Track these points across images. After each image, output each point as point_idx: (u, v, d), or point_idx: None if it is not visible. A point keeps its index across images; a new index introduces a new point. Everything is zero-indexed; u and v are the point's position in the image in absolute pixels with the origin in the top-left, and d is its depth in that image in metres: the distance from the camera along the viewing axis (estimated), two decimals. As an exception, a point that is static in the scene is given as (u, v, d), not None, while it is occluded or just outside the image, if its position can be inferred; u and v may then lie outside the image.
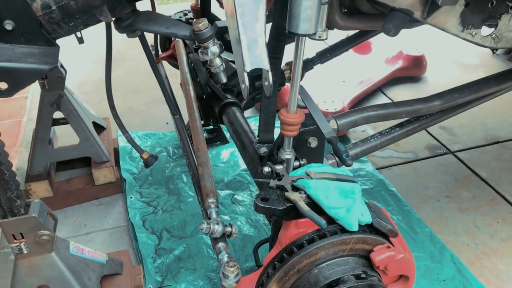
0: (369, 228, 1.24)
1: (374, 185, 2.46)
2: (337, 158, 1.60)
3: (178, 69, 2.35)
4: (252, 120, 2.99)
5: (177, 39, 2.39)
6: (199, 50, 1.31)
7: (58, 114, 2.22)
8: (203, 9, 2.31)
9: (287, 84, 2.27)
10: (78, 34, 1.59)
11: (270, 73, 1.15)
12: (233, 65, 2.06)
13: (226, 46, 1.37)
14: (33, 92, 3.29)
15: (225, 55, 1.53)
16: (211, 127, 2.66)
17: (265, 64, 1.13)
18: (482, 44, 1.48)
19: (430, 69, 3.65)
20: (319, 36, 1.23)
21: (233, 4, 1.10)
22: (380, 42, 3.49)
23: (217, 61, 1.30)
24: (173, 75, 2.83)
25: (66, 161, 2.40)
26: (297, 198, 1.22)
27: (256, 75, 1.85)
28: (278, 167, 1.44)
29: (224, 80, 1.36)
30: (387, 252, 1.21)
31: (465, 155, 2.75)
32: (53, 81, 2.07)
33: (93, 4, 1.17)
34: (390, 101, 3.31)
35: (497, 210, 2.34)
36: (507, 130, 3.00)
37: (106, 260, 1.74)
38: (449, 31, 1.39)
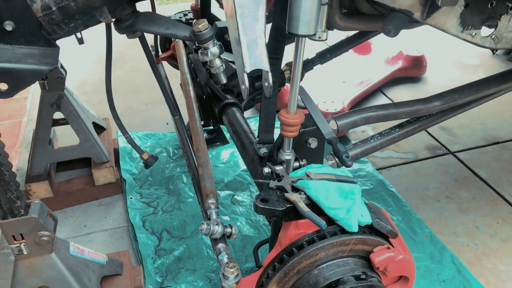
0: (369, 229, 1.24)
1: (374, 186, 2.46)
2: (337, 159, 1.60)
3: (178, 69, 2.35)
4: (252, 121, 2.99)
5: (177, 40, 2.39)
6: (199, 51, 1.31)
7: (58, 115, 2.22)
8: (203, 10, 2.31)
9: (287, 85, 2.27)
10: (78, 34, 1.60)
11: (270, 73, 1.15)
12: (233, 66, 2.06)
13: (226, 46, 1.37)
14: (33, 92, 3.29)
15: (225, 55, 1.53)
16: (211, 127, 2.66)
17: (265, 65, 1.13)
18: (481, 45, 1.48)
19: (430, 69, 3.65)
20: (319, 37, 1.23)
21: (233, 5, 1.10)
22: (380, 42, 3.49)
23: (217, 62, 1.30)
24: (173, 76, 2.83)
25: (66, 162, 2.40)
26: (297, 199, 1.22)
27: (256, 75, 1.85)
28: (278, 168, 1.44)
29: (224, 81, 1.36)
30: (387, 253, 1.21)
31: (465, 156, 2.75)
32: (53, 81, 2.07)
33: (93, 5, 1.17)
34: (390, 102, 3.31)
35: (497, 210, 2.34)
36: (507, 130, 3.00)
37: (106, 261, 1.74)
38: (448, 31, 1.39)
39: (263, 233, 2.17)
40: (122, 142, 2.69)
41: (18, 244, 1.43)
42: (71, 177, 2.43)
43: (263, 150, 1.60)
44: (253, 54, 1.12)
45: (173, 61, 2.56)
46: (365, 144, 1.74)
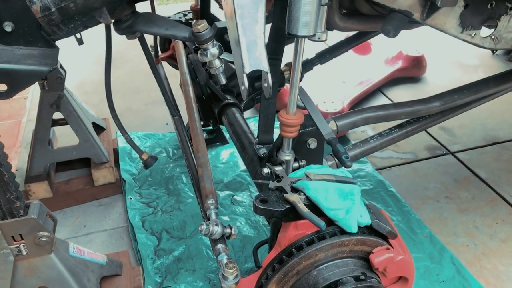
0: (368, 230, 1.24)
1: (373, 186, 2.46)
2: (336, 159, 1.60)
3: (177, 69, 2.35)
4: (251, 121, 2.99)
5: (176, 40, 2.39)
6: (199, 52, 1.31)
7: (57, 115, 2.22)
8: (202, 10, 2.31)
9: (287, 85, 2.27)
10: (78, 35, 1.60)
11: (269, 74, 1.15)
12: (233, 66, 2.06)
13: (226, 47, 1.37)
14: (32, 92, 3.29)
15: (224, 56, 1.53)
16: (211, 127, 2.66)
17: (264, 66, 1.13)
18: (481, 45, 1.48)
19: (429, 69, 3.65)
20: (319, 38, 1.23)
21: (232, 6, 1.10)
22: (380, 42, 3.49)
23: (217, 62, 1.30)
24: (173, 76, 2.83)
25: (66, 162, 2.40)
26: (296, 199, 1.22)
27: (255, 76, 1.85)
28: (278, 168, 1.44)
29: (224, 81, 1.36)
30: (386, 253, 1.21)
31: (464, 156, 2.75)
32: (52, 82, 2.07)
33: (92, 6, 1.17)
34: (390, 102, 3.31)
35: (497, 211, 2.34)
36: (507, 130, 3.00)
37: (106, 261, 1.74)
38: (448, 32, 1.39)
39: (262, 233, 2.17)
40: (122, 142, 2.69)
41: (18, 245, 1.43)
42: (70, 177, 2.43)
43: (263, 151, 1.60)
44: (253, 55, 1.12)
45: (173, 61, 2.56)
46: (365, 144, 1.74)
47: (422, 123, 1.79)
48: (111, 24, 1.43)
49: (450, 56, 3.94)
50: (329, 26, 1.54)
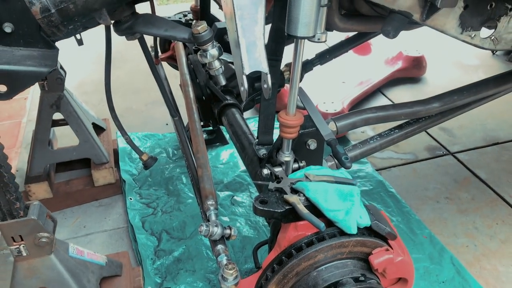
0: (368, 231, 1.24)
1: (373, 186, 2.46)
2: (336, 160, 1.60)
3: (177, 70, 2.35)
4: (251, 121, 2.99)
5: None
6: (198, 53, 1.31)
7: (57, 115, 2.22)
8: (202, 10, 2.31)
9: (287, 85, 2.27)
10: (78, 36, 1.60)
11: (269, 76, 1.15)
12: (233, 67, 2.06)
13: (226, 47, 1.37)
14: (32, 93, 3.29)
15: (224, 56, 1.53)
16: (211, 128, 2.66)
17: (264, 67, 1.13)
18: (481, 46, 1.48)
19: (429, 70, 3.65)
20: (318, 39, 1.23)
21: (232, 7, 1.10)
22: (380, 43, 3.49)
23: (216, 63, 1.30)
24: (173, 76, 2.83)
25: (66, 162, 2.40)
26: (296, 200, 1.22)
27: (256, 76, 1.85)
28: (277, 169, 1.44)
29: (223, 82, 1.36)
30: (385, 255, 1.21)
31: (464, 156, 2.75)
32: (52, 82, 2.07)
33: (92, 7, 1.17)
34: (390, 102, 3.31)
35: (497, 211, 2.34)
36: (507, 131, 3.00)
37: (106, 262, 1.74)
38: (448, 33, 1.39)
39: (262, 234, 2.17)
40: (122, 143, 2.69)
41: (17, 246, 1.43)
42: (70, 178, 2.43)
43: (263, 152, 1.60)
44: (252, 56, 1.12)
45: (173, 61, 2.56)
46: (365, 145, 1.74)
47: (422, 124, 1.79)
48: (111, 25, 1.43)
49: (450, 56, 3.94)
50: (329, 27, 1.54)
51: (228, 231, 1.46)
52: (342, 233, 1.21)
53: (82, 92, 3.35)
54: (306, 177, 1.30)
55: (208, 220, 1.51)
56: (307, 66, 2.13)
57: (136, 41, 1.55)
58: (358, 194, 1.25)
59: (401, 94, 3.42)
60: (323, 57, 2.16)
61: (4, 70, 1.17)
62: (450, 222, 2.27)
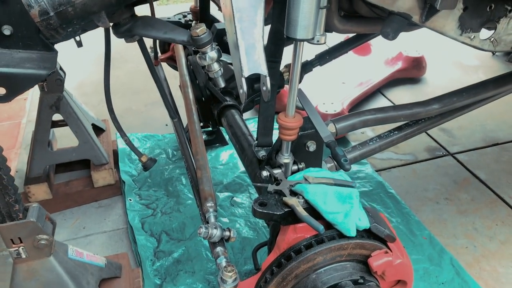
0: (367, 233, 1.24)
1: (373, 187, 2.46)
2: (335, 162, 1.60)
3: (177, 70, 2.35)
4: (251, 122, 2.99)
5: (176, 42, 2.39)
6: (197, 55, 1.31)
7: (57, 116, 2.22)
8: (202, 11, 2.31)
9: (287, 86, 2.27)
10: (77, 38, 1.59)
11: (268, 78, 1.15)
12: (232, 68, 2.06)
13: (225, 48, 1.36)
14: (32, 93, 3.29)
15: (224, 57, 1.53)
16: (210, 128, 2.66)
17: (263, 70, 1.13)
18: (480, 48, 1.48)
19: (429, 70, 3.65)
20: (317, 41, 1.23)
21: (231, 9, 1.10)
22: (379, 43, 3.49)
23: (215, 66, 1.30)
24: (172, 77, 2.83)
25: (65, 163, 2.40)
26: (295, 203, 1.22)
27: (255, 77, 1.85)
28: (276, 171, 1.44)
29: (222, 85, 1.36)
30: (385, 257, 1.21)
31: (464, 157, 2.75)
32: (52, 83, 2.07)
33: (91, 10, 1.16)
34: (390, 103, 3.31)
35: (496, 212, 2.34)
36: (506, 132, 3.00)
37: (105, 264, 1.74)
38: (447, 34, 1.39)
39: (262, 235, 2.17)
40: (121, 144, 2.69)
41: (17, 248, 1.43)
42: (70, 179, 2.43)
43: (262, 153, 1.60)
44: (251, 58, 1.12)
45: (173, 62, 2.55)
46: (364, 146, 1.73)
47: (421, 125, 1.79)
48: (110, 28, 1.43)
49: (450, 57, 3.94)
50: (328, 29, 1.53)
51: (227, 233, 1.46)
52: (341, 235, 1.21)
53: (81, 93, 3.35)
54: (305, 179, 1.30)
55: (207, 222, 1.51)
56: (307, 67, 2.13)
57: (136, 42, 1.55)
58: (357, 196, 1.25)
59: (401, 95, 3.42)
60: (323, 58, 2.16)
61: (3, 73, 1.17)
62: (450, 223, 2.27)
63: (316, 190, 1.23)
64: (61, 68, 2.13)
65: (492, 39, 1.48)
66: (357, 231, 1.21)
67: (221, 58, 1.34)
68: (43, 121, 2.17)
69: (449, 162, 2.72)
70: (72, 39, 1.45)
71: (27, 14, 1.14)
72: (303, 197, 1.24)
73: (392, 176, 2.61)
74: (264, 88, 1.18)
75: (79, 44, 1.62)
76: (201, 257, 2.04)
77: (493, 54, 3.98)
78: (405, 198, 2.40)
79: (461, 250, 2.12)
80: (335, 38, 2.16)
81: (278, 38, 1.39)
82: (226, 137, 2.76)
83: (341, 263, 1.23)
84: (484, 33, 1.47)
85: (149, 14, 1.51)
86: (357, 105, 3.13)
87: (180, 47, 2.34)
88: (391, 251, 1.24)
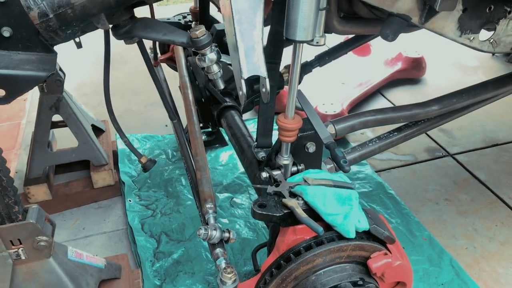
0: (366, 235, 1.24)
1: (373, 188, 2.46)
2: (335, 163, 1.60)
3: (177, 71, 2.35)
4: (251, 123, 2.99)
5: (175, 43, 2.39)
6: (197, 57, 1.31)
7: (57, 117, 2.22)
8: (201, 12, 2.31)
9: (286, 87, 2.27)
10: (77, 39, 1.59)
11: (267, 80, 1.15)
12: (232, 69, 2.05)
13: (225, 49, 1.36)
14: (32, 94, 3.29)
15: (224, 58, 1.53)
16: (210, 129, 2.66)
17: (262, 71, 1.13)
18: (480, 49, 1.48)
19: (429, 71, 3.65)
20: (317, 42, 1.23)
21: (230, 11, 1.10)
22: (379, 44, 3.48)
23: (215, 68, 1.30)
24: (172, 77, 2.83)
25: (65, 164, 2.40)
26: (295, 204, 1.22)
27: (255, 78, 1.85)
28: (276, 173, 1.44)
29: (222, 87, 1.36)
30: (384, 259, 1.21)
31: (464, 158, 2.75)
32: (52, 84, 2.07)
33: (90, 12, 1.16)
34: (390, 103, 3.31)
35: (496, 213, 2.34)
36: (506, 132, 3.00)
37: (105, 265, 1.74)
38: (447, 36, 1.39)
39: (261, 236, 2.17)
40: (121, 145, 2.69)
41: (16, 249, 1.43)
42: (70, 180, 2.43)
43: (261, 154, 1.60)
44: (251, 60, 1.12)
45: (172, 63, 2.55)
46: (364, 148, 1.73)
47: (421, 127, 1.79)
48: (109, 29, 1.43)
49: (450, 57, 3.94)
50: (328, 30, 1.53)
51: (226, 235, 1.46)
52: (340, 237, 1.21)
53: (81, 94, 3.35)
54: (305, 181, 1.30)
55: (207, 224, 1.51)
56: (306, 68, 2.13)
57: (135, 43, 1.55)
58: (356, 198, 1.25)
59: (401, 95, 3.42)
60: (322, 59, 2.16)
61: (3, 75, 1.17)
62: (450, 224, 2.27)
63: (315, 191, 1.23)
64: (60, 69, 2.13)
65: (492, 40, 1.48)
66: (357, 232, 1.21)
67: (221, 59, 1.34)
68: (42, 122, 2.17)
69: (448, 162, 2.72)
70: (72, 40, 1.45)
71: (26, 16, 1.14)
72: (302, 199, 1.24)
73: (392, 176, 2.61)
74: (264, 90, 1.18)
75: (79, 45, 1.62)
76: (200, 258, 2.04)
77: (493, 54, 3.98)
78: (404, 198, 2.40)
79: (460, 251, 2.13)
80: (334, 39, 2.16)
81: (278, 40, 1.39)
82: (226, 137, 2.76)
83: (341, 264, 1.23)
84: (484, 34, 1.47)
85: (149, 15, 1.52)
86: (356, 106, 3.13)
87: (180, 48, 2.34)
88: (390, 252, 1.24)
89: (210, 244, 1.47)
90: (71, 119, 2.21)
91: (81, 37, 1.62)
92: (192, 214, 2.27)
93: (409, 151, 2.80)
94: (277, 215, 1.23)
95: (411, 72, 3.56)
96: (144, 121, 3.09)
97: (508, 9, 1.42)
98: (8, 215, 1.39)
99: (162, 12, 4.19)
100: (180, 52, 2.31)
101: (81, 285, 1.55)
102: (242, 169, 2.57)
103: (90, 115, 2.53)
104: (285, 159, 1.43)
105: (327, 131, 1.45)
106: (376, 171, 2.61)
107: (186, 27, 2.45)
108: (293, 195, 1.27)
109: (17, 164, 2.63)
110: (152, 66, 1.67)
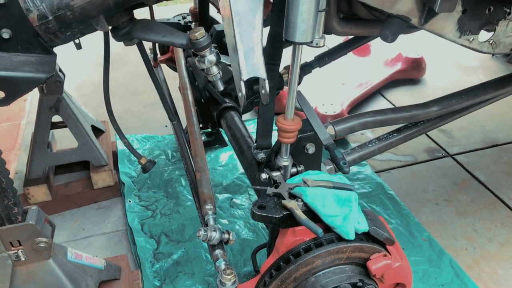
0: (366, 236, 1.24)
1: (372, 189, 2.46)
2: (334, 164, 1.60)
3: (177, 72, 2.35)
4: (250, 123, 2.99)
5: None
6: (196, 59, 1.31)
7: (57, 118, 2.22)
8: (201, 13, 2.31)
9: (286, 87, 2.27)
10: (76, 40, 1.59)
11: (266, 81, 1.15)
12: (231, 69, 2.05)
13: (225, 49, 1.36)
14: (32, 95, 3.29)
15: (224, 59, 1.53)
16: (210, 130, 2.66)
17: (261, 73, 1.13)
18: (479, 50, 1.48)
19: (429, 71, 3.65)
20: (316, 44, 1.23)
21: (230, 13, 1.10)
22: (379, 44, 3.49)
23: (214, 69, 1.30)
24: (172, 78, 2.83)
25: (65, 165, 2.40)
26: (294, 206, 1.22)
27: (255, 79, 1.85)
28: (275, 174, 1.44)
29: (221, 88, 1.36)
30: (383, 260, 1.21)
31: (463, 158, 2.75)
32: (51, 85, 2.07)
33: (89, 14, 1.16)
34: (389, 104, 3.31)
35: (496, 213, 2.34)
36: (506, 133, 3.00)
37: (104, 266, 1.74)
38: (446, 37, 1.39)
39: (261, 236, 2.17)
40: (121, 145, 2.69)
41: (16, 251, 1.43)
42: (69, 180, 2.43)
43: (261, 155, 1.60)
44: (250, 62, 1.13)
45: (172, 63, 2.56)
46: (363, 149, 1.73)
47: (420, 128, 1.79)
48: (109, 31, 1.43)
49: (450, 58, 3.94)
50: (327, 31, 1.53)
51: (226, 236, 1.46)
52: (340, 238, 1.21)
53: (81, 94, 3.35)
54: (304, 182, 1.30)
55: (207, 225, 1.51)
56: (306, 68, 2.13)
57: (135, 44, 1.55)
58: (356, 199, 1.25)
59: (401, 96, 3.42)
60: (322, 59, 2.15)
61: (2, 76, 1.17)
62: (449, 225, 2.27)
63: (315, 193, 1.23)
64: (60, 70, 2.13)
65: (491, 41, 1.48)
66: (356, 234, 1.21)
67: (220, 60, 1.34)
68: (42, 122, 2.17)
69: (448, 163, 2.72)
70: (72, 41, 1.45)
71: (26, 18, 1.14)
72: (302, 200, 1.24)
73: (392, 177, 2.61)
74: (263, 91, 1.18)
75: (79, 46, 1.62)
76: (200, 259, 2.04)
77: (493, 55, 3.98)
78: (404, 199, 2.40)
79: (460, 251, 2.13)
80: (334, 40, 2.16)
81: (277, 41, 1.38)
82: (226, 138, 2.76)
83: (340, 266, 1.23)
84: (483, 35, 1.47)
85: (148, 17, 1.52)
86: (356, 106, 3.13)
87: (180, 49, 2.34)
88: (390, 254, 1.24)
89: (210, 245, 1.47)
90: (71, 119, 2.21)
91: (80, 38, 1.63)
92: (192, 215, 2.27)
93: (409, 151, 2.80)
94: (277, 216, 1.23)
95: (411, 73, 3.56)
96: (144, 122, 3.09)
97: (508, 10, 1.42)
98: (8, 216, 1.39)
99: (162, 12, 4.19)
100: (179, 53, 2.31)
101: (80, 286, 1.55)
102: (241, 170, 2.57)
103: (90, 115, 2.53)
104: (284, 160, 1.43)
105: (326, 132, 1.45)
106: (376, 172, 2.61)
107: (185, 27, 2.45)
108: (292, 196, 1.27)
109: (17, 164, 2.63)
110: (151, 67, 1.67)
